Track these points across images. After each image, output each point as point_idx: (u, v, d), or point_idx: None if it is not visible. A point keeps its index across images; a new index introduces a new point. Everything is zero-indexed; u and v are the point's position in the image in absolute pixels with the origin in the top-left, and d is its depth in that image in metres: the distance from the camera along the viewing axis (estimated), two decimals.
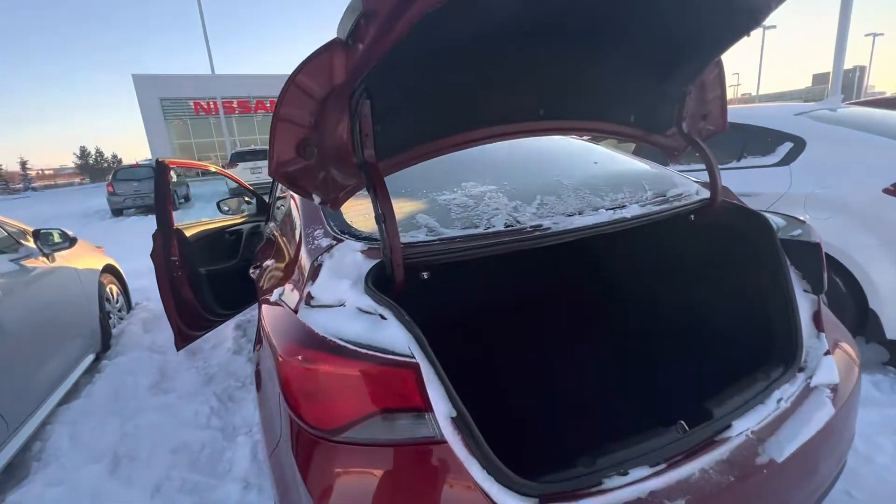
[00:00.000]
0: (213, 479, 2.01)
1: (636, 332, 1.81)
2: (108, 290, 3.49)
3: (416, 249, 1.11)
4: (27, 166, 43.32)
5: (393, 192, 1.24)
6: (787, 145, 2.70)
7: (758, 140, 2.85)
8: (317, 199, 1.15)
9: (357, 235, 1.18)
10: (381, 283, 1.04)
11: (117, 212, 13.54)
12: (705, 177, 1.65)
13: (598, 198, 1.41)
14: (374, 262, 1.06)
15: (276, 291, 1.13)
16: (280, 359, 0.86)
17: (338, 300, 0.97)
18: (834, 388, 1.18)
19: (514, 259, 1.25)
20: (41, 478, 2.01)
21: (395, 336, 0.85)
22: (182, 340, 2.65)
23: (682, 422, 1.06)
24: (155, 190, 2.41)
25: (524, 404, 1.68)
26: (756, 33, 1.40)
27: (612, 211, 1.32)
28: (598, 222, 1.27)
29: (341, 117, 1.06)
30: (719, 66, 1.53)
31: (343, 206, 1.26)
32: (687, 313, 1.63)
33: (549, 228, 1.21)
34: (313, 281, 1.03)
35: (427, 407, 0.81)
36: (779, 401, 1.13)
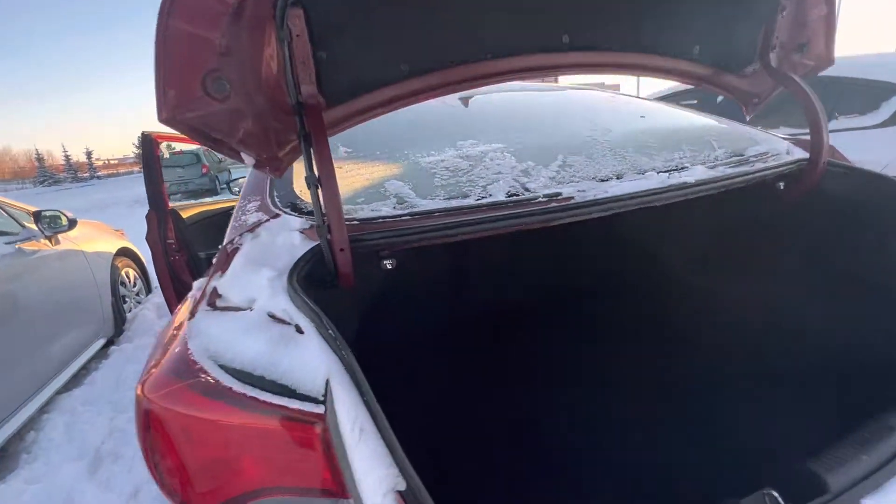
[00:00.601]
0: None
1: (695, 347, 1.31)
2: (123, 273, 3.43)
3: (376, 227, 0.79)
4: (93, 156, 46.59)
5: (358, 151, 0.91)
6: (894, 100, 2.13)
7: (856, 94, 2.27)
8: (248, 160, 0.85)
9: (301, 209, 0.87)
10: (320, 278, 0.73)
11: None
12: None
13: (647, 157, 1.02)
14: (313, 245, 0.74)
15: (196, 284, 0.85)
16: (137, 391, 0.57)
17: (248, 300, 0.66)
18: None
19: (522, 242, 0.90)
20: (25, 473, 1.90)
21: (306, 363, 0.54)
22: None
23: (773, 492, 0.69)
24: (143, 167, 2.21)
25: (525, 455, 1.14)
26: None
27: (666, 174, 0.93)
28: (645, 189, 0.89)
29: (265, 36, 0.74)
30: None
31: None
32: (773, 322, 1.19)
33: (572, 198, 0.85)
34: (223, 271, 0.73)
35: (338, 489, 0.49)
36: None
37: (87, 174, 44.68)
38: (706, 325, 1.34)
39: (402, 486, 0.54)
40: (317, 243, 0.74)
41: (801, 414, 1.01)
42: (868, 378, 0.94)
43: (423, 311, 1.10)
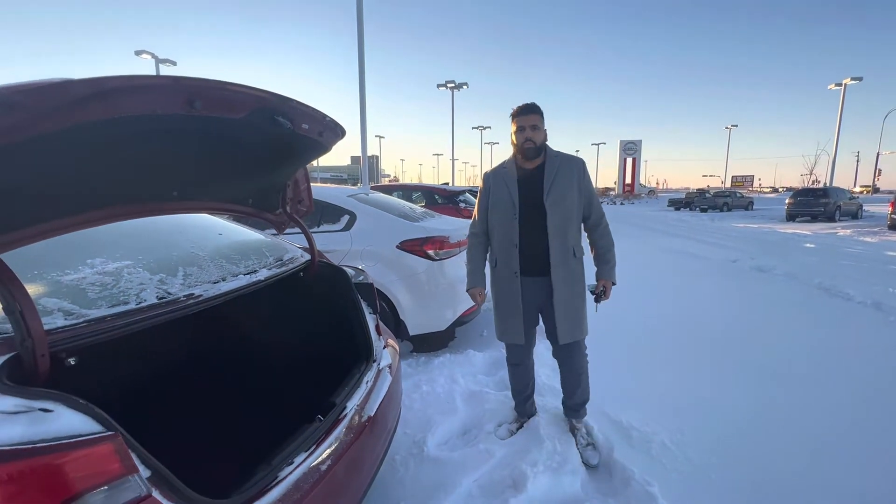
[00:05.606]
0: None
1: (276, 363, 2.24)
2: None
3: (60, 336, 1.05)
4: None
5: None
6: (346, 217, 3.93)
7: (330, 213, 3.96)
8: None
9: None
10: (15, 379, 0.93)
11: None
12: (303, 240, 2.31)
13: (234, 265, 1.73)
14: (4, 357, 0.93)
15: None
16: None
17: None
18: (390, 367, 2.05)
19: (163, 328, 1.37)
20: None
21: (72, 422, 0.85)
22: None
23: (320, 416, 1.56)
24: None
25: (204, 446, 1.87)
26: None
27: (247, 276, 1.68)
28: (239, 286, 1.59)
29: None
30: (305, 169, 2.24)
31: None
32: (309, 343, 2.20)
33: (202, 295, 1.42)
34: None
35: (133, 468, 0.87)
36: (367, 382, 1.85)
37: None
38: (276, 351, 2.27)
39: (149, 472, 0.96)
40: (6, 356, 0.93)
41: (326, 381, 2.03)
42: (348, 357, 2.06)
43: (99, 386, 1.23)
